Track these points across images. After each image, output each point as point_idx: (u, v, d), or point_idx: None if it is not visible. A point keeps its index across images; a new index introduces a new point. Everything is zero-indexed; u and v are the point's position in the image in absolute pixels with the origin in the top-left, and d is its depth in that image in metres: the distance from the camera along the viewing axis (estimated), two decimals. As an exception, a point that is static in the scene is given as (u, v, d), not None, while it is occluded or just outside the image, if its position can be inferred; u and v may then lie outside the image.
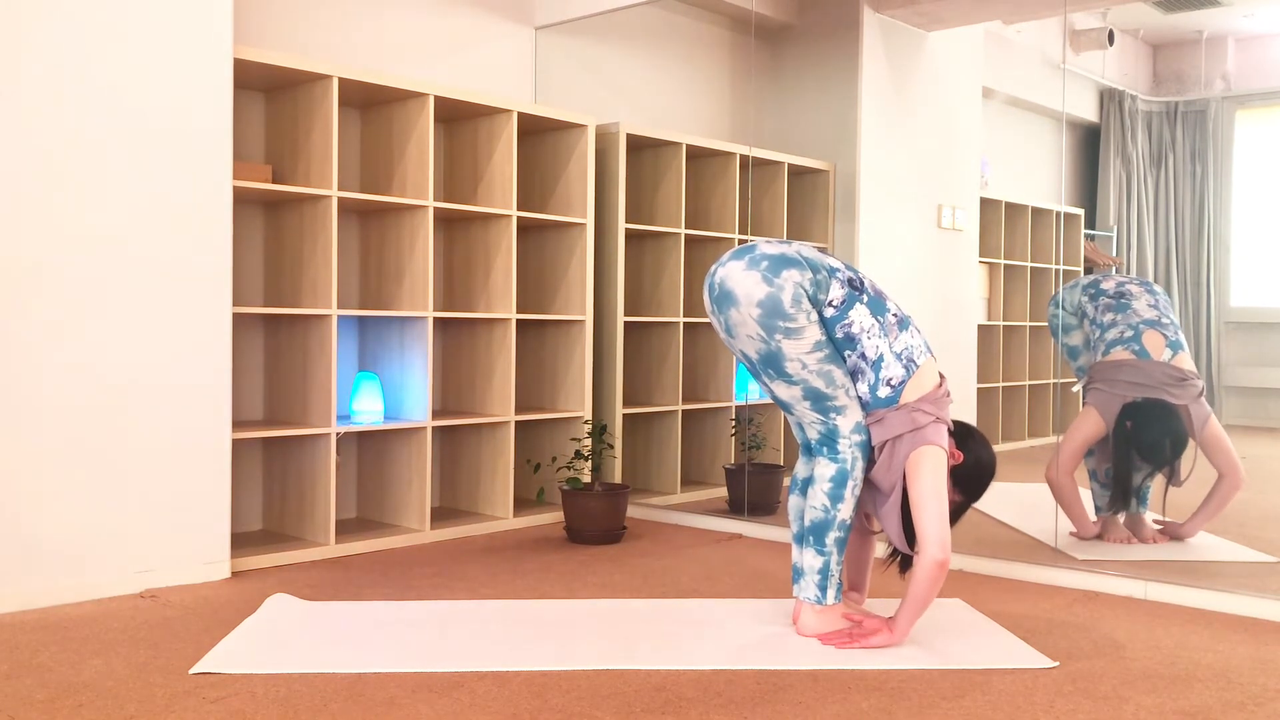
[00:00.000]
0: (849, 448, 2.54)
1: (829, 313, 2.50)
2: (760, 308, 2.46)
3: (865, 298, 2.54)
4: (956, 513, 2.62)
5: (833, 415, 2.54)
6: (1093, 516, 3.59)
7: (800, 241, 2.57)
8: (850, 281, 2.55)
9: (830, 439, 2.55)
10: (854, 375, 2.54)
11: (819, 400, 2.53)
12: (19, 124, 2.77)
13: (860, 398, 2.55)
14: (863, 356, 2.52)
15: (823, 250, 2.59)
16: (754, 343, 2.51)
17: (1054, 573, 3.22)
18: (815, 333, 2.48)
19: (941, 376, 2.61)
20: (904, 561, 2.62)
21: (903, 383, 2.52)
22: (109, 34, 2.92)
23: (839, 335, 2.52)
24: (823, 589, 2.57)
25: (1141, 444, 3.45)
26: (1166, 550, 3.49)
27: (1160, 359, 3.47)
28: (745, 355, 2.58)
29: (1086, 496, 3.62)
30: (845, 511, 2.54)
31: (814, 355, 2.49)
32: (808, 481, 2.67)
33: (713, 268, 2.58)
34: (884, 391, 2.52)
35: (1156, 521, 3.57)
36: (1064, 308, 3.72)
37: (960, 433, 2.62)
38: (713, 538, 3.90)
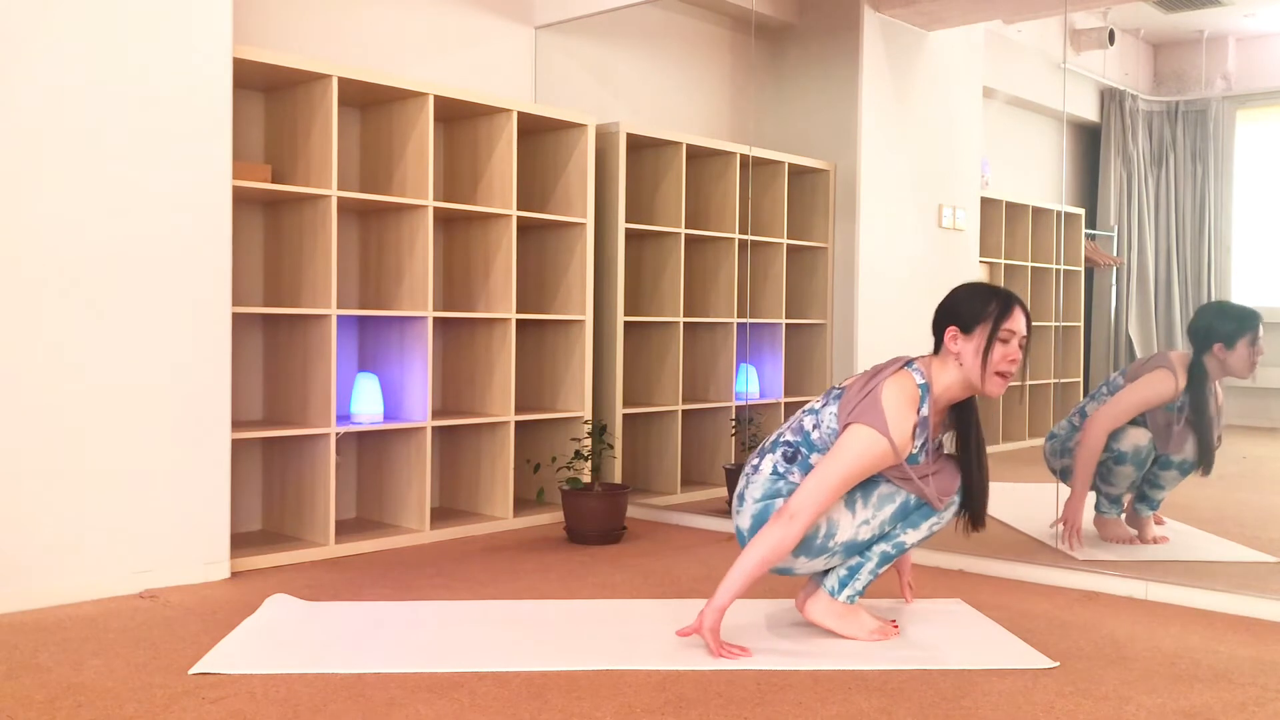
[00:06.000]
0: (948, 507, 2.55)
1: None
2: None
3: (805, 450, 2.53)
4: (990, 340, 2.46)
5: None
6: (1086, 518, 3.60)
7: (752, 467, 2.59)
8: (786, 455, 2.54)
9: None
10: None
11: (895, 502, 2.53)
12: (18, 124, 2.77)
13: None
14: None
15: (778, 434, 2.60)
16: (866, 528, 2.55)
17: (1054, 573, 3.22)
18: (843, 508, 2.49)
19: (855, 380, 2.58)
20: (971, 519, 2.58)
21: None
22: (108, 34, 2.91)
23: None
24: (843, 584, 2.57)
25: (1225, 333, 3.36)
26: (1167, 550, 3.48)
27: None
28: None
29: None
30: (912, 538, 2.55)
31: (867, 498, 2.52)
32: None
33: None
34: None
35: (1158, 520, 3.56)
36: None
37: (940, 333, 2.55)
38: (713, 538, 3.90)
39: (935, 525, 2.56)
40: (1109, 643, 2.61)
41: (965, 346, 2.46)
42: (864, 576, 2.57)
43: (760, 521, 2.51)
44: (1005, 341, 2.45)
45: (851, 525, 2.49)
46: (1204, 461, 3.44)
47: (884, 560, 2.56)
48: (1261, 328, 3.37)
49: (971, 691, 2.23)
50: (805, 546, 2.49)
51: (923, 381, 2.48)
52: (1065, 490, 3.52)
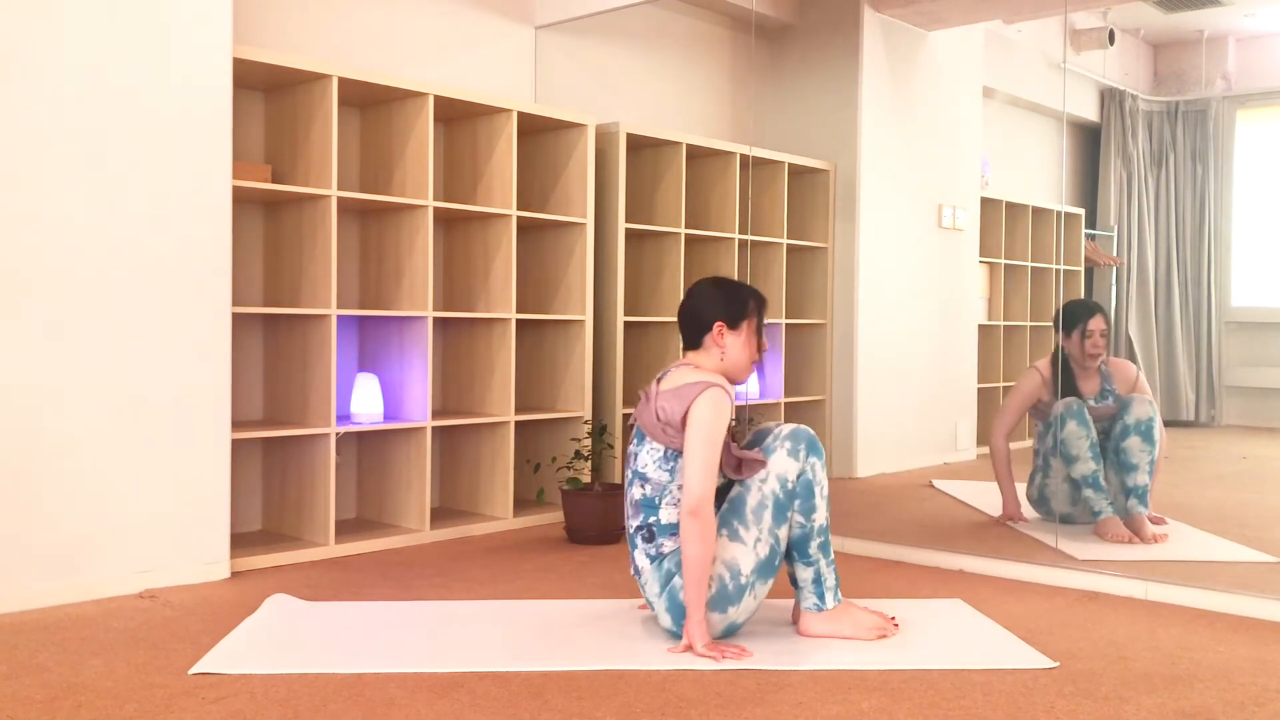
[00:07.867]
0: (799, 461, 2.55)
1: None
2: None
3: (653, 512, 2.55)
4: (757, 334, 2.66)
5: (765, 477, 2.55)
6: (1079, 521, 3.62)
7: (635, 572, 2.60)
8: (645, 537, 2.56)
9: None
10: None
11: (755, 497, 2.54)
12: (18, 124, 2.77)
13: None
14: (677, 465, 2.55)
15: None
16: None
17: (1054, 573, 3.22)
18: (730, 543, 2.51)
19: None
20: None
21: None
22: (108, 33, 2.91)
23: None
24: (820, 595, 2.57)
25: (1063, 324, 3.73)
26: (1167, 550, 3.48)
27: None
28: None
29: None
30: (822, 514, 2.54)
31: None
32: None
33: None
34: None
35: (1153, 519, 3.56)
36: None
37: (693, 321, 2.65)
38: (713, 538, 3.90)
39: (820, 485, 2.54)
40: (1109, 643, 2.61)
41: (733, 340, 2.64)
42: (828, 574, 2.57)
43: (677, 606, 2.50)
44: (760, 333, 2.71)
45: (749, 551, 2.49)
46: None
47: (826, 549, 2.56)
48: (1096, 320, 3.67)
49: (971, 691, 2.23)
50: (724, 599, 2.47)
51: (699, 368, 2.63)
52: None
